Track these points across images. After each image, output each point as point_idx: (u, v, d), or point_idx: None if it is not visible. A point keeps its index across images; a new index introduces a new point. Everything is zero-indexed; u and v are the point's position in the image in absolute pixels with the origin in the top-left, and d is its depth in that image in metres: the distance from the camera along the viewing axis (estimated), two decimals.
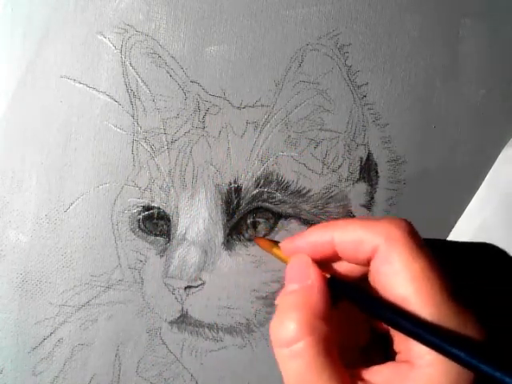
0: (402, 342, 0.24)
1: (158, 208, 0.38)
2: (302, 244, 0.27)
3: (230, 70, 0.37)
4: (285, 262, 0.28)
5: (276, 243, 0.30)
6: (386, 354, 0.25)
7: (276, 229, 0.37)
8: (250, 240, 0.37)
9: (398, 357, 0.24)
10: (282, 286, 0.37)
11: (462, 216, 0.39)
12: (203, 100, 0.37)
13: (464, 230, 0.39)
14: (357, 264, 0.26)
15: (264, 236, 0.37)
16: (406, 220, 0.24)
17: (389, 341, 0.25)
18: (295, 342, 0.23)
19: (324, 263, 0.26)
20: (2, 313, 0.38)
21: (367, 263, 0.25)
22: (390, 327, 0.24)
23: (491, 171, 0.39)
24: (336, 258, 0.26)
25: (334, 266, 0.27)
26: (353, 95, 0.38)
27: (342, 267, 0.27)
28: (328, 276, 0.26)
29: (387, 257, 0.23)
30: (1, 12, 0.37)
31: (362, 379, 0.24)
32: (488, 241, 0.38)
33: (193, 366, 0.39)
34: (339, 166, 0.38)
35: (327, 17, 0.37)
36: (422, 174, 0.38)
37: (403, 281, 0.23)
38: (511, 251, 0.36)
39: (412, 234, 0.24)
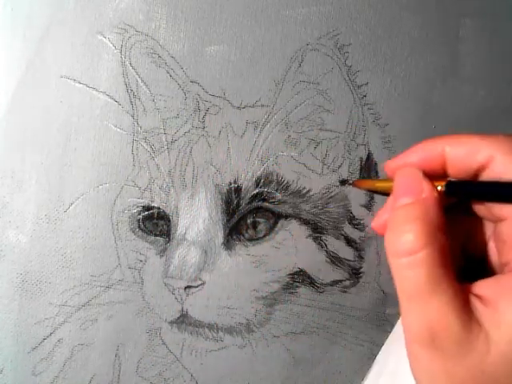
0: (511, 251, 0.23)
1: (158, 208, 0.37)
2: (411, 159, 0.27)
3: (229, 70, 0.37)
4: (388, 190, 0.28)
5: (374, 179, 0.30)
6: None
7: (276, 229, 0.37)
8: (250, 240, 0.37)
9: (507, 268, 0.24)
10: (283, 285, 0.37)
11: None
12: (203, 100, 0.37)
13: None
14: (467, 176, 0.26)
15: (264, 236, 0.37)
16: None
17: (483, 265, 0.26)
18: (416, 252, 0.23)
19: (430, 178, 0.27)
20: (2, 313, 0.38)
21: (476, 176, 0.25)
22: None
23: None
24: (440, 174, 0.26)
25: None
26: (353, 95, 0.38)
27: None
28: (442, 185, 0.26)
29: (505, 166, 0.24)
30: (1, 12, 0.37)
31: (471, 292, 0.24)
32: None
33: (193, 366, 0.39)
34: (339, 166, 0.38)
35: (327, 17, 0.37)
36: None
37: None
38: None
39: None
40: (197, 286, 0.37)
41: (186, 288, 0.37)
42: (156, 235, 0.38)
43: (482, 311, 0.23)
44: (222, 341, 0.38)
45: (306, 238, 0.37)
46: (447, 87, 0.38)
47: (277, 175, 0.37)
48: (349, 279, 0.38)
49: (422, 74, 0.38)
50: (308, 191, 0.37)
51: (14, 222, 0.38)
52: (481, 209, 0.27)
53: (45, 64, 0.37)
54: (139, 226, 0.38)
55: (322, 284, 0.38)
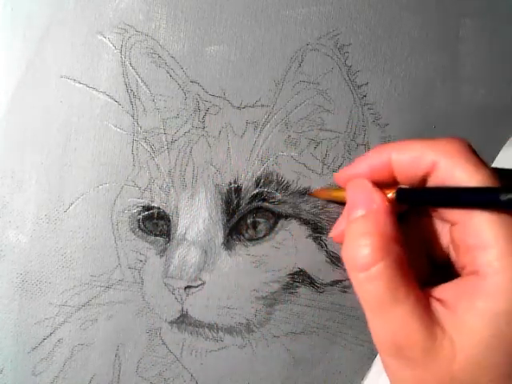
0: (469, 253, 0.24)
1: (158, 208, 0.38)
2: (359, 169, 0.27)
3: (229, 70, 0.37)
4: (344, 200, 0.28)
5: (332, 187, 0.30)
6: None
7: (276, 229, 0.37)
8: (250, 240, 0.37)
9: (464, 272, 0.24)
10: (283, 285, 0.37)
11: None
12: (203, 100, 0.37)
13: None
14: (413, 183, 0.26)
15: (264, 236, 0.37)
16: (463, 139, 0.25)
17: (449, 270, 0.26)
18: (372, 265, 0.24)
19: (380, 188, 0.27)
20: (2, 313, 0.38)
21: (424, 181, 0.25)
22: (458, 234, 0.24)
23: None
24: (391, 182, 0.27)
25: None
26: (353, 95, 0.38)
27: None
28: (390, 194, 0.26)
29: (448, 170, 0.24)
30: (1, 12, 0.37)
31: (433, 297, 0.24)
32: None
33: (193, 366, 0.39)
34: (339, 166, 0.38)
35: (327, 17, 0.37)
36: None
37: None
38: None
39: (471, 149, 0.24)
40: (197, 286, 0.37)
41: (186, 288, 0.37)
42: (156, 235, 0.38)
43: (443, 315, 0.23)
44: (222, 341, 0.38)
45: (306, 238, 0.37)
46: (447, 87, 0.38)
47: (277, 175, 0.37)
48: (349, 279, 0.38)
49: (422, 74, 0.38)
50: (308, 191, 0.37)
51: (14, 221, 0.38)
52: (435, 214, 0.27)
53: (45, 64, 0.37)
54: (139, 226, 0.38)
55: (321, 284, 0.38)
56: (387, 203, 0.25)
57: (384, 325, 0.23)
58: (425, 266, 0.28)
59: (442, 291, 0.24)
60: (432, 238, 0.28)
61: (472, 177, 0.23)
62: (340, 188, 0.30)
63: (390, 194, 0.26)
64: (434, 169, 0.24)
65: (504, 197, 0.21)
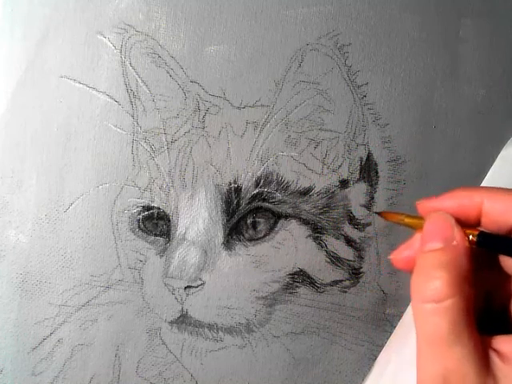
0: None
1: (158, 208, 0.37)
2: (446, 204, 0.27)
3: (229, 70, 0.37)
4: (415, 227, 0.28)
5: (403, 212, 0.30)
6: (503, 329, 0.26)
7: (276, 229, 0.37)
8: (250, 240, 0.37)
9: None
10: (283, 285, 0.37)
11: None
12: (203, 100, 0.37)
13: None
14: (499, 230, 0.26)
15: (264, 236, 0.37)
16: None
17: (505, 319, 0.26)
18: (442, 299, 0.23)
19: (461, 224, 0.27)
20: (2, 313, 0.38)
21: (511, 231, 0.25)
22: None
23: (491, 171, 0.39)
24: (474, 222, 0.27)
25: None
26: (353, 95, 0.38)
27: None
28: (473, 235, 0.26)
29: None
30: (1, 12, 0.37)
31: (491, 346, 0.24)
32: None
33: (193, 366, 0.39)
34: (339, 166, 0.38)
35: (327, 17, 0.37)
36: (422, 174, 0.38)
37: None
38: None
39: None
40: (197, 286, 0.37)
41: (185, 288, 0.37)
42: (156, 235, 0.38)
43: (499, 367, 0.23)
44: (221, 341, 0.38)
45: (306, 238, 0.37)
46: (447, 87, 0.38)
47: (277, 175, 0.37)
48: (349, 279, 0.38)
49: (422, 74, 0.38)
50: (308, 191, 0.37)
51: (14, 222, 0.38)
52: (509, 265, 0.27)
53: (45, 64, 0.37)
54: (139, 226, 0.38)
55: (321, 284, 0.38)
56: (467, 243, 0.25)
57: (438, 360, 0.24)
58: (481, 311, 0.28)
59: (500, 342, 0.24)
60: (496, 286, 0.28)
61: None
62: (414, 215, 0.29)
63: (471, 237, 0.26)
64: None
65: None
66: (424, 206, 0.28)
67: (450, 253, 0.25)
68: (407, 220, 0.30)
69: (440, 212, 0.27)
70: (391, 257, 0.28)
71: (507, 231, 0.25)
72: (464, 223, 0.27)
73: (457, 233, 0.25)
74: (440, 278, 0.24)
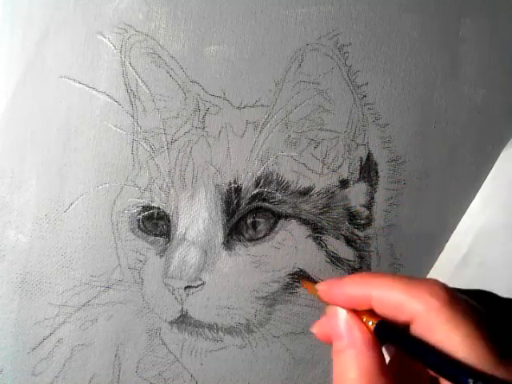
0: None
1: (158, 208, 0.37)
2: (339, 293, 0.27)
3: (229, 70, 0.37)
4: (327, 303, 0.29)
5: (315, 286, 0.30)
6: None
7: (276, 229, 0.37)
8: (250, 240, 0.37)
9: None
10: (283, 285, 0.37)
11: (464, 216, 0.39)
12: (203, 100, 0.37)
13: (466, 231, 0.39)
14: (394, 321, 0.26)
15: (264, 236, 0.37)
16: (444, 286, 0.25)
17: None
18: None
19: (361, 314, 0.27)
20: (2, 313, 0.38)
21: (405, 324, 0.25)
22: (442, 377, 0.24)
23: (493, 171, 0.39)
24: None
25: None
26: (353, 95, 0.38)
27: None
28: (372, 323, 0.26)
29: (428, 327, 0.24)
30: (1, 12, 0.37)
31: None
32: (490, 241, 0.38)
33: (193, 366, 0.39)
34: (339, 166, 0.38)
35: (327, 17, 0.37)
36: (422, 174, 0.38)
37: (447, 350, 0.23)
38: None
39: (451, 301, 0.24)
40: (197, 286, 0.37)
41: (185, 288, 0.37)
42: (156, 235, 0.38)
43: None
44: (221, 341, 0.38)
45: (306, 238, 0.37)
46: (447, 87, 0.38)
47: (277, 175, 0.37)
48: None
49: (422, 74, 0.38)
50: (308, 191, 0.37)
51: (14, 222, 0.38)
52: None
53: (45, 64, 0.37)
54: (139, 226, 0.38)
55: None
56: (369, 335, 0.26)
57: None
58: (425, 380, 0.28)
59: None
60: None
61: (449, 339, 0.23)
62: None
63: (371, 323, 0.26)
64: (414, 320, 0.24)
65: (471, 383, 0.21)
66: (324, 293, 0.29)
67: (354, 352, 0.25)
68: (318, 295, 0.30)
69: (333, 308, 0.27)
70: (313, 331, 0.29)
71: (403, 324, 0.25)
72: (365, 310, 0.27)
73: (355, 330, 0.26)
74: (353, 380, 0.25)
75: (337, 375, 0.26)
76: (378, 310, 0.26)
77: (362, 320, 0.26)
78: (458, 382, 0.22)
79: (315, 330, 0.29)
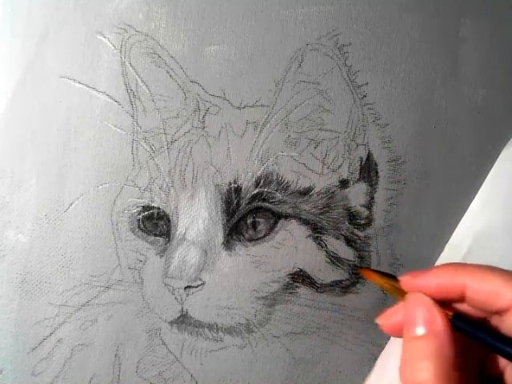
0: None
1: (158, 208, 0.37)
2: (429, 283, 0.27)
3: (229, 70, 0.37)
4: (397, 295, 0.28)
5: (388, 275, 0.30)
6: None
7: (276, 229, 0.37)
8: (250, 240, 0.37)
9: None
10: (283, 285, 0.37)
11: (464, 216, 0.39)
12: (203, 100, 0.37)
13: (466, 231, 0.39)
14: (483, 310, 0.26)
15: (264, 236, 0.37)
16: None
17: None
18: None
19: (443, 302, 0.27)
20: (2, 313, 0.38)
21: (497, 313, 0.25)
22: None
23: (493, 171, 0.39)
24: (458, 300, 0.26)
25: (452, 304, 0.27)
26: (353, 95, 0.38)
27: (461, 307, 0.27)
28: (451, 314, 0.25)
29: None
30: (0, 12, 0.37)
31: None
32: (491, 241, 0.38)
33: (193, 366, 0.39)
34: (339, 166, 0.38)
35: (327, 17, 0.37)
36: (422, 174, 0.38)
37: None
38: None
39: None
40: (197, 286, 0.37)
41: (185, 288, 0.37)
42: (156, 235, 0.38)
43: None
44: (221, 341, 0.38)
45: (306, 238, 0.37)
46: (447, 87, 0.38)
47: (277, 175, 0.37)
48: (349, 279, 0.38)
49: (422, 74, 0.38)
50: (308, 191, 0.37)
51: (14, 222, 0.38)
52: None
53: (45, 64, 0.37)
54: (139, 226, 0.38)
55: (321, 284, 0.38)
56: (450, 327, 0.25)
57: None
58: (476, 381, 0.28)
59: None
60: (487, 355, 0.27)
61: None
62: (398, 287, 0.29)
63: (451, 315, 0.26)
64: (510, 309, 0.24)
65: None
66: (407, 283, 0.28)
67: (434, 341, 0.25)
68: (387, 286, 0.29)
69: (417, 294, 0.27)
70: (379, 322, 0.28)
71: (491, 314, 0.25)
72: (447, 300, 0.26)
73: (437, 317, 0.25)
74: (426, 370, 0.24)
75: (406, 361, 0.25)
76: (471, 298, 0.25)
77: (444, 311, 0.26)
78: None
79: (382, 321, 0.28)
